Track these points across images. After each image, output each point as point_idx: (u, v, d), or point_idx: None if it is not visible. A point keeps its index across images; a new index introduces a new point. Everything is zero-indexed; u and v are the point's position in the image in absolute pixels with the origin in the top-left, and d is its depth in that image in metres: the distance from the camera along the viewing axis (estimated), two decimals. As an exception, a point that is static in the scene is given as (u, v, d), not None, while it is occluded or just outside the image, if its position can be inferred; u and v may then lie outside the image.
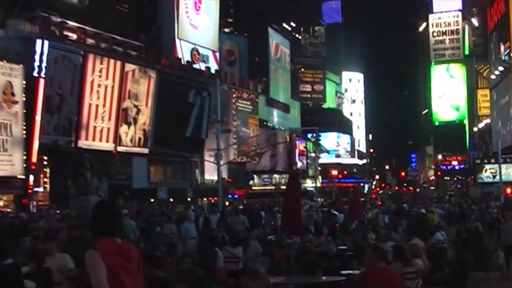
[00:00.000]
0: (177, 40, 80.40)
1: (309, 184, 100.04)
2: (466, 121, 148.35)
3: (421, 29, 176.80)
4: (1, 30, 61.77)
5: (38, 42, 56.93)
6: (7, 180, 54.64)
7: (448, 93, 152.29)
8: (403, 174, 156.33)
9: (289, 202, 24.52)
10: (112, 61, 65.58)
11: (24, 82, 56.52)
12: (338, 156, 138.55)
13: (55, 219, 20.32)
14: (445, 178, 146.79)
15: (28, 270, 11.17)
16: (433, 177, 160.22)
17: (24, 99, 56.31)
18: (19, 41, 58.58)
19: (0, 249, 9.61)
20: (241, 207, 55.18)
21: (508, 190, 73.18)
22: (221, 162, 53.43)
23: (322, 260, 14.63)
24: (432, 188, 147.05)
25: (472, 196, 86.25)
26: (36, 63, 56.57)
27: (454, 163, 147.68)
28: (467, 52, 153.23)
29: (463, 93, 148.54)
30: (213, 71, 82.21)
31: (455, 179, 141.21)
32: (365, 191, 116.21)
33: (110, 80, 65.52)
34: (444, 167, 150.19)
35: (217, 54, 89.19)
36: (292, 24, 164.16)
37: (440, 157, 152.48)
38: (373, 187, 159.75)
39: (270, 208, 51.97)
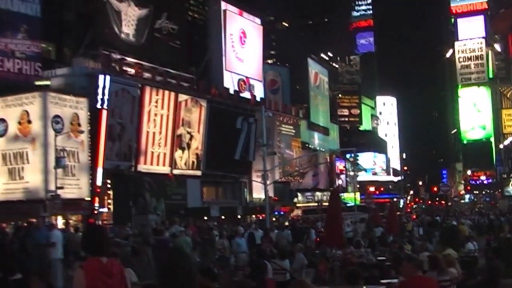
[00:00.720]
0: (225, 72, 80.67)
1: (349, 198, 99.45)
2: (492, 139, 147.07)
3: (448, 55, 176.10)
4: (68, 68, 62.60)
5: (101, 77, 57.49)
6: (76, 202, 55.04)
7: (474, 114, 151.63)
8: (435, 189, 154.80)
9: (332, 217, 24.44)
10: (166, 92, 65.99)
11: (89, 113, 57.10)
12: (374, 174, 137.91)
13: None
14: (474, 192, 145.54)
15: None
16: (463, 191, 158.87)
17: (89, 128, 56.88)
18: (84, 77, 59.23)
19: (8, 265, 9.71)
20: (286, 223, 55.06)
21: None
22: (268, 182, 53.29)
23: (363, 270, 14.51)
24: (463, 201, 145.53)
25: (500, 208, 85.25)
26: (99, 96, 57.12)
27: (482, 178, 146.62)
28: (491, 76, 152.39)
29: (489, 114, 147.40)
30: (258, 99, 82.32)
31: (483, 192, 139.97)
32: (401, 206, 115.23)
33: (165, 109, 65.90)
34: (473, 182, 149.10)
35: (262, 84, 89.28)
36: (330, 54, 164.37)
37: (469, 172, 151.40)
38: (407, 202, 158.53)
39: (313, 223, 51.77)
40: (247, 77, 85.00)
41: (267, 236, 31.19)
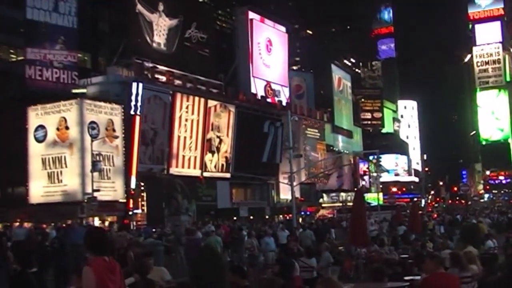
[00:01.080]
0: (252, 78, 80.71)
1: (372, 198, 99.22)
2: (510, 140, 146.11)
3: (466, 60, 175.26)
4: (103, 76, 63.04)
5: (134, 85, 57.76)
6: (111, 203, 55.40)
7: (492, 116, 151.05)
8: (455, 189, 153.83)
9: (356, 217, 24.34)
10: (196, 98, 66.15)
11: (123, 119, 57.43)
12: (397, 174, 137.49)
13: (126, 239, 20.65)
14: (493, 191, 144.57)
15: (133, 281, 11.32)
16: (482, 191, 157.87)
17: (123, 134, 57.17)
18: (118, 84, 59.57)
19: (27, 259, 10.04)
20: (312, 221, 54.99)
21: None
22: (294, 183, 53.20)
23: (387, 267, 14.44)
24: (482, 200, 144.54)
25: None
26: (133, 103, 57.39)
27: (501, 177, 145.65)
28: (508, 79, 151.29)
29: (507, 116, 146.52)
30: (284, 103, 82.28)
31: (502, 192, 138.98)
32: (422, 205, 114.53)
33: (196, 115, 66.07)
34: (492, 181, 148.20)
35: (287, 89, 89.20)
36: (352, 60, 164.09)
37: (488, 172, 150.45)
38: (429, 201, 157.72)
39: (338, 222, 51.66)
40: (273, 83, 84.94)
41: (293, 235, 31.14)
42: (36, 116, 56.92)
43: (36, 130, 56.56)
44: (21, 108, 57.58)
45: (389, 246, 26.20)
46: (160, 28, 67.72)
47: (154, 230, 41.40)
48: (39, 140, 56.34)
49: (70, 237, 28.82)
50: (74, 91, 60.15)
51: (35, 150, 56.45)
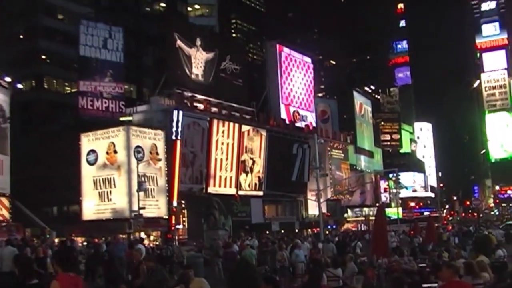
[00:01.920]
0: (281, 105, 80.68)
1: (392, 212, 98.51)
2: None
3: (475, 85, 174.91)
4: (147, 105, 63.42)
5: (175, 112, 57.98)
6: (155, 220, 55.48)
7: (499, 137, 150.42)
8: (468, 203, 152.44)
9: (378, 230, 24.16)
10: (231, 124, 66.26)
11: (165, 143, 57.64)
12: (414, 190, 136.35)
13: (140, 253, 20.80)
14: (502, 204, 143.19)
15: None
16: (492, 204, 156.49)
17: (166, 157, 57.35)
18: (160, 112, 59.83)
19: (29, 271, 10.05)
20: (336, 234, 54.67)
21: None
22: (321, 200, 52.98)
23: (406, 276, 14.29)
24: (492, 213, 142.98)
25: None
26: (174, 129, 57.58)
27: (510, 192, 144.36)
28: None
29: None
30: (311, 128, 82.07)
31: (510, 205, 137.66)
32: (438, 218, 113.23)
33: (231, 138, 66.15)
34: (501, 195, 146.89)
35: (314, 114, 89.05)
36: (372, 87, 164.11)
37: (497, 188, 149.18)
38: (444, 214, 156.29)
39: (362, 235, 51.31)
40: (301, 109, 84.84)
41: (315, 248, 30.99)
42: (88, 142, 57.33)
43: (88, 154, 56.95)
44: (74, 134, 58.07)
45: (408, 257, 25.96)
46: (198, 61, 68.02)
47: (195, 244, 41.32)
48: (90, 163, 56.71)
49: (116, 251, 28.98)
50: (121, 119, 60.61)
51: (87, 172, 56.82)
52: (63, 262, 8.07)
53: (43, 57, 77.11)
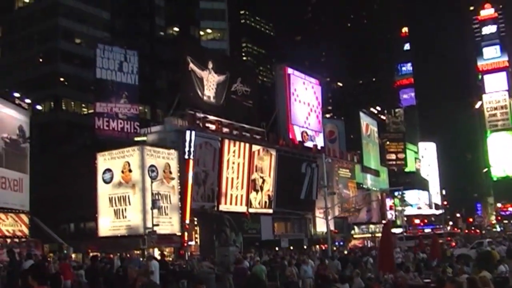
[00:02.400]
0: (290, 125, 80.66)
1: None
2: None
3: (477, 106, 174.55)
4: (161, 126, 63.52)
5: (187, 133, 58.02)
6: (169, 236, 55.41)
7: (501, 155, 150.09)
8: (471, 220, 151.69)
9: (384, 246, 24.05)
10: (242, 144, 66.20)
11: (178, 163, 57.65)
12: (419, 208, 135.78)
13: (135, 270, 20.71)
14: (504, 221, 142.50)
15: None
16: (494, 221, 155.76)
17: (179, 175, 57.35)
18: (174, 133, 59.93)
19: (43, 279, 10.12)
20: (346, 252, 54.39)
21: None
22: (329, 217, 52.81)
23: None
24: (494, 230, 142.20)
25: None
26: (186, 149, 57.61)
27: (510, 209, 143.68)
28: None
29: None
30: (319, 147, 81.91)
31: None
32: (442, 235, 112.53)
33: (241, 158, 66.06)
34: (502, 213, 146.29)
35: (321, 134, 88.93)
36: (378, 108, 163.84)
37: (499, 205, 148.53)
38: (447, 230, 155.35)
39: (369, 251, 50.99)
40: (309, 129, 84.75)
41: (322, 264, 30.83)
42: (104, 161, 57.41)
43: (104, 173, 57.01)
44: (91, 154, 58.23)
45: (413, 272, 25.79)
46: (210, 83, 68.14)
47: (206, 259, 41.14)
48: (106, 182, 56.76)
49: (130, 266, 28.90)
50: (136, 139, 60.74)
51: (103, 190, 56.86)
52: (39, 277, 8.15)
53: (61, 79, 77.55)
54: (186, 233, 57.14)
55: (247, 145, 67.05)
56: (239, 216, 63.10)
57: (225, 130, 65.66)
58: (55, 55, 77.46)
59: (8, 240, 45.55)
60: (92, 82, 64.29)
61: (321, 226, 74.46)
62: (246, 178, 66.77)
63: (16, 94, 51.46)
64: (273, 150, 71.19)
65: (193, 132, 58.45)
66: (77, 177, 56.71)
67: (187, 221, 57.35)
